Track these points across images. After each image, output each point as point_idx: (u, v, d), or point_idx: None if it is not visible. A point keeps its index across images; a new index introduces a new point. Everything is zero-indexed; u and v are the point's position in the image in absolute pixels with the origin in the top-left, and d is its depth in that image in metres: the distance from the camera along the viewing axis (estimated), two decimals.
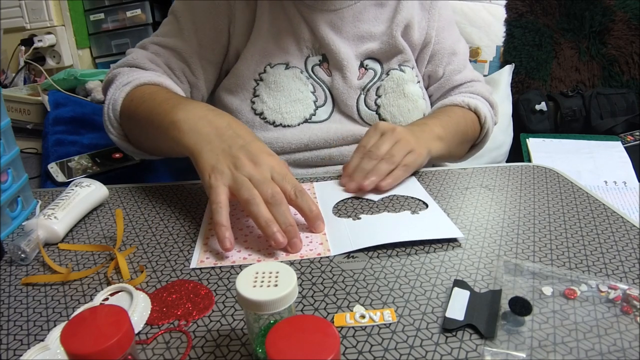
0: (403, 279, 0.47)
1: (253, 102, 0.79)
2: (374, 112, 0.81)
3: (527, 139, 1.46)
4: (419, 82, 0.84)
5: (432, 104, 0.88)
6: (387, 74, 0.81)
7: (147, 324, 0.42)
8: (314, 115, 0.80)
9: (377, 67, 0.82)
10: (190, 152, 0.58)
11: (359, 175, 0.65)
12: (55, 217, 0.57)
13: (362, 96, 0.81)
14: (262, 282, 0.34)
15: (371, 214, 0.59)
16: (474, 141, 0.86)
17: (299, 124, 0.79)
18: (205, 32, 0.78)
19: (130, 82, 0.71)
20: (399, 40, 0.80)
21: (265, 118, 0.78)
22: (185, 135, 0.59)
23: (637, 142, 1.39)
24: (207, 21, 0.78)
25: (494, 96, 0.91)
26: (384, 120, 0.81)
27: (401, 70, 0.82)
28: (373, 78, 0.81)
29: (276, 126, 0.78)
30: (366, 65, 0.82)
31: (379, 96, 0.81)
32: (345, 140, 0.79)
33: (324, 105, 0.81)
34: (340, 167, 0.79)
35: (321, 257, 0.51)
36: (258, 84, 0.79)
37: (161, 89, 0.71)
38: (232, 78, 0.80)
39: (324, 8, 0.79)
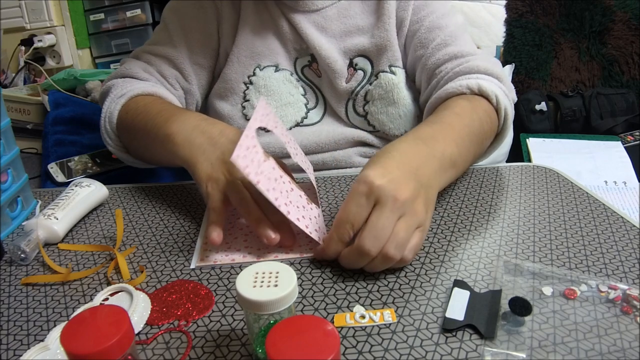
0: (403, 279, 0.47)
1: (244, 107, 0.78)
2: (363, 118, 0.79)
3: (527, 139, 1.45)
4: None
5: (421, 94, 0.78)
6: (377, 77, 0.77)
7: (147, 324, 0.42)
8: (306, 118, 0.79)
9: (368, 67, 0.78)
10: (186, 164, 0.59)
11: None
12: (55, 217, 0.57)
13: (351, 101, 0.79)
14: (262, 282, 0.34)
15: None
16: (496, 132, 0.69)
17: (290, 128, 0.78)
18: (195, 37, 0.78)
19: (125, 94, 0.72)
20: (391, 33, 0.76)
21: None
22: (180, 147, 0.59)
23: (637, 142, 1.39)
24: (195, 25, 0.78)
25: None
26: (372, 126, 0.78)
27: (392, 72, 0.78)
28: (361, 81, 0.78)
29: (267, 131, 0.77)
30: (355, 65, 0.78)
31: (367, 102, 0.78)
32: (338, 144, 0.78)
33: (315, 107, 0.80)
34: (334, 171, 0.78)
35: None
36: (248, 88, 0.78)
37: (155, 99, 0.71)
38: (222, 83, 0.79)
39: (305, 9, 0.77)
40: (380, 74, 0.77)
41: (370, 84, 0.78)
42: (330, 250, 0.48)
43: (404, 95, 0.77)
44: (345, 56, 0.78)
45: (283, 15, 0.78)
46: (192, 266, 0.51)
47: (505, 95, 0.69)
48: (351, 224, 0.45)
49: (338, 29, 0.78)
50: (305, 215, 0.51)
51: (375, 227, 0.44)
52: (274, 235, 0.50)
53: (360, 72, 0.79)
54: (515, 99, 0.72)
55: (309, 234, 0.49)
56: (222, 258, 0.52)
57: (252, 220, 0.51)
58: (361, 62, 0.78)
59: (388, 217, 0.44)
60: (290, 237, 0.52)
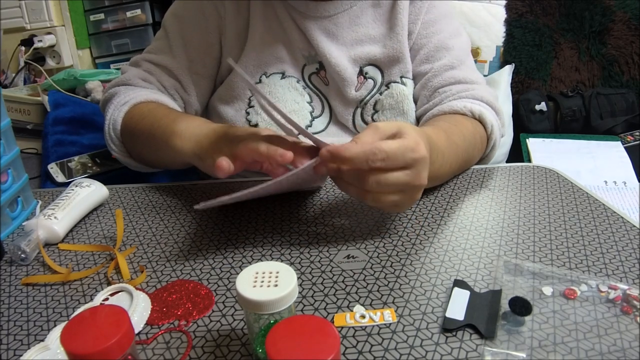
0: (403, 279, 0.47)
1: (248, 113, 0.77)
2: None
3: (527, 139, 1.45)
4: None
5: (417, 106, 0.79)
6: (388, 87, 0.77)
7: (147, 324, 0.42)
8: (310, 126, 0.78)
9: (378, 76, 0.78)
10: (193, 154, 0.59)
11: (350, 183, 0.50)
12: (55, 217, 0.57)
13: (359, 110, 0.78)
14: (262, 282, 0.34)
15: None
16: (479, 158, 0.74)
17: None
18: (195, 46, 0.78)
19: (128, 101, 0.73)
20: (403, 45, 0.76)
21: None
22: (186, 140, 0.60)
23: (637, 142, 1.39)
24: (196, 35, 0.78)
25: None
26: None
27: (403, 83, 0.77)
28: (371, 90, 0.78)
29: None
30: (366, 73, 0.78)
31: (376, 111, 0.78)
32: None
33: (320, 115, 0.80)
34: None
35: (321, 257, 0.51)
36: (253, 95, 0.77)
37: (159, 105, 0.72)
38: (227, 89, 0.79)
39: (316, 14, 0.76)
40: (392, 84, 0.77)
41: (381, 93, 0.78)
42: (346, 155, 0.46)
43: (412, 107, 0.78)
44: (355, 64, 0.78)
45: (293, 21, 0.77)
46: (196, 206, 0.48)
47: (499, 128, 0.74)
48: (383, 161, 0.46)
49: (349, 36, 0.78)
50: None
51: (389, 181, 0.47)
52: (288, 153, 0.49)
53: (370, 81, 0.78)
54: (505, 134, 0.77)
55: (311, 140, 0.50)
56: (226, 198, 0.49)
57: (262, 149, 0.49)
58: (371, 71, 0.78)
59: (401, 178, 0.47)
60: (303, 160, 0.51)
